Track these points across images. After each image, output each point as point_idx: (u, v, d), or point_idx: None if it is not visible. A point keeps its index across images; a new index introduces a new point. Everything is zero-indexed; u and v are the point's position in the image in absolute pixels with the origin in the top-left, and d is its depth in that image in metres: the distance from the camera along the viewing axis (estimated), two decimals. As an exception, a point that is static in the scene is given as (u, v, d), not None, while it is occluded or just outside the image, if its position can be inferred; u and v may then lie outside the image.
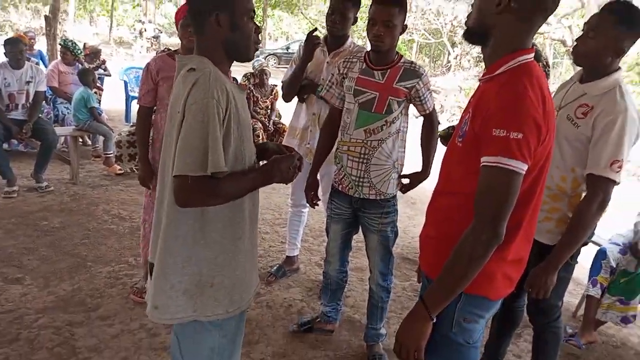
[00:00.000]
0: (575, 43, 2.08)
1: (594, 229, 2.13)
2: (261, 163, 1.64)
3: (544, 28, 12.70)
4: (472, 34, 1.47)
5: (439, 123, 2.68)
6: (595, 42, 1.97)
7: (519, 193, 1.31)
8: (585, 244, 2.25)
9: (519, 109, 1.28)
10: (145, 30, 21.49)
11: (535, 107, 1.29)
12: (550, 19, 13.30)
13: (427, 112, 2.49)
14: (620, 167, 1.91)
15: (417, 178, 2.64)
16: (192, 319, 1.50)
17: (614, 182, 1.93)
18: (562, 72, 20.37)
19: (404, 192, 2.67)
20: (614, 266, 3.13)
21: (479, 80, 1.50)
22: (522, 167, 1.28)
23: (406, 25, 2.37)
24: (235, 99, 1.44)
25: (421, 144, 2.62)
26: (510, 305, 2.45)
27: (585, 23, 2.04)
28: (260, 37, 1.60)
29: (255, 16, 1.54)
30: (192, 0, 1.49)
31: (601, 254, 3.17)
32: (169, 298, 1.48)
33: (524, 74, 1.34)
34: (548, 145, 1.37)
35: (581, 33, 2.05)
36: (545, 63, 2.51)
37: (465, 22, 1.49)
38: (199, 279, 1.48)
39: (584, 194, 2.04)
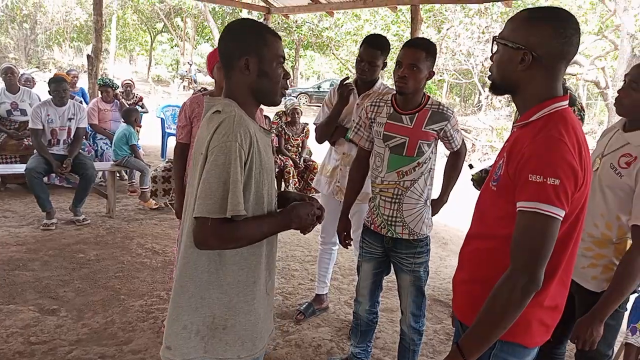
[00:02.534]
0: (618, 95, 2.07)
1: None
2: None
3: (577, 69, 12.64)
4: (499, 88, 1.50)
5: (467, 151, 2.74)
6: (638, 94, 1.98)
7: (556, 239, 1.30)
8: (635, 291, 2.19)
9: (555, 155, 1.28)
10: (190, 72, 22.27)
11: (572, 153, 1.29)
12: (583, 60, 13.27)
13: (455, 149, 2.55)
14: None
15: (436, 205, 2.67)
16: None
17: None
18: (597, 113, 20.10)
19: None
20: (656, 314, 3.00)
21: (514, 126, 1.51)
22: (560, 213, 1.28)
23: (433, 72, 2.40)
24: (258, 143, 1.45)
25: (445, 172, 2.69)
26: (550, 352, 2.38)
27: (626, 75, 2.05)
28: (288, 83, 1.63)
29: (285, 60, 1.57)
30: (222, 44, 1.53)
31: (641, 301, 3.05)
32: (181, 339, 1.48)
33: (559, 120, 1.35)
34: (585, 192, 1.37)
35: (622, 84, 2.06)
36: (580, 107, 2.51)
37: (489, 76, 1.51)
38: (212, 321, 1.48)
39: (629, 242, 2.00)
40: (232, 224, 1.38)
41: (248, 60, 1.47)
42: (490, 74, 1.51)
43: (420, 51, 2.30)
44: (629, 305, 3.12)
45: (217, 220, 1.35)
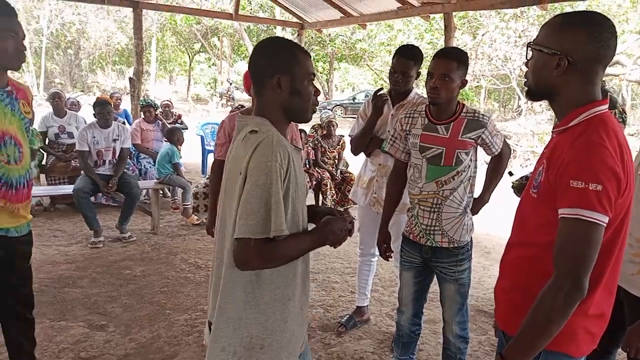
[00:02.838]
0: None
1: None
2: (309, 226, 1.63)
3: (619, 70, 12.23)
4: (535, 94, 1.49)
5: (511, 152, 2.72)
6: None
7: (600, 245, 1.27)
8: None
9: (596, 160, 1.26)
10: (230, 90, 22.66)
11: (613, 158, 1.26)
12: (626, 60, 12.84)
13: (496, 153, 2.53)
14: None
15: (476, 204, 2.65)
16: None
17: None
18: (642, 113, 19.36)
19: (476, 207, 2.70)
20: None
21: (552, 132, 1.49)
22: (603, 219, 1.25)
23: (466, 80, 2.39)
24: (294, 162, 1.46)
25: (487, 173, 2.69)
26: (599, 362, 2.29)
27: None
28: (318, 99, 1.64)
29: (315, 77, 1.59)
30: (253, 63, 1.54)
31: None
32: None
33: (599, 124, 1.33)
34: (628, 197, 1.33)
35: None
36: (621, 110, 2.43)
37: (525, 82, 1.50)
38: (249, 341, 1.48)
39: None
40: (272, 244, 1.39)
41: (280, 78, 1.49)
42: (526, 80, 1.50)
43: (452, 61, 2.30)
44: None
45: (259, 240, 1.36)
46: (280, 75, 1.49)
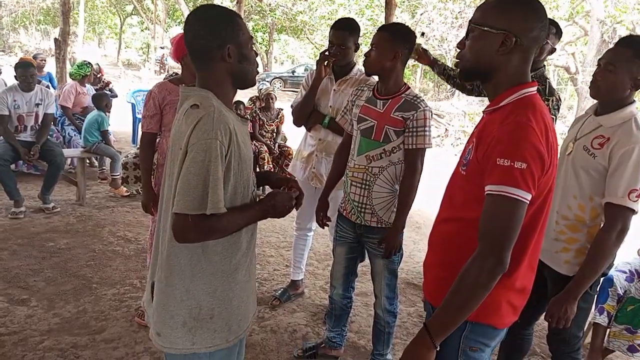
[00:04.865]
0: (594, 78, 2.09)
1: (613, 259, 2.14)
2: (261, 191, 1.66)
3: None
4: (471, 74, 1.51)
5: (421, 172, 2.41)
6: (614, 75, 2.00)
7: (523, 222, 1.33)
8: (605, 274, 2.25)
9: (522, 140, 1.30)
10: (165, 58, 21.68)
11: (539, 138, 1.31)
12: (554, 46, 13.44)
13: (409, 147, 2.36)
14: (638, 196, 1.93)
15: (390, 236, 2.43)
16: (190, 352, 1.51)
17: (633, 211, 1.95)
18: (567, 98, 20.48)
19: (384, 256, 2.48)
20: (621, 294, 3.11)
21: (483, 112, 1.53)
22: (526, 197, 1.30)
23: (399, 53, 2.34)
24: (237, 136, 1.45)
25: (399, 196, 2.43)
26: (518, 333, 2.44)
27: (600, 59, 2.07)
28: (258, 70, 1.64)
29: (259, 41, 1.58)
30: (196, 37, 1.47)
31: (607, 282, 3.15)
32: (169, 328, 1.51)
33: (527, 106, 1.37)
34: (551, 177, 1.39)
35: (597, 68, 2.08)
36: (557, 97, 2.55)
37: (457, 63, 1.51)
38: (199, 312, 1.50)
39: (602, 225, 2.06)
40: (211, 219, 1.39)
41: (230, 48, 1.46)
42: (458, 60, 1.51)
43: (384, 32, 2.38)
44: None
45: (196, 216, 1.37)
46: (229, 44, 1.46)
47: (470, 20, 1.46)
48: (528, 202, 1.31)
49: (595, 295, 2.41)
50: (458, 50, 1.53)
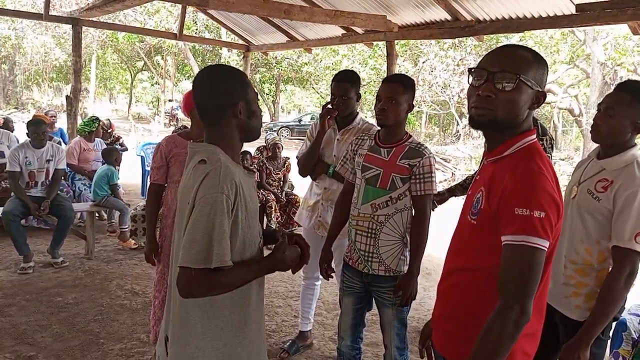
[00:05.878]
0: (594, 122, 2.10)
1: (624, 303, 2.11)
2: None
3: (551, 98, 13.01)
4: (496, 125, 1.42)
5: (430, 215, 2.46)
6: (614, 120, 2.03)
7: None
8: (616, 318, 2.21)
9: (538, 188, 1.32)
10: (175, 110, 22.13)
11: (552, 186, 1.34)
12: (557, 89, 13.65)
13: (418, 193, 2.40)
14: None
15: (405, 282, 2.42)
16: None
17: None
18: (573, 139, 20.59)
19: (401, 305, 2.46)
20: (636, 338, 3.03)
21: (486, 161, 1.54)
22: (545, 245, 1.31)
23: (413, 105, 2.48)
24: (243, 189, 1.48)
25: (410, 244, 2.46)
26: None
27: (600, 103, 2.10)
28: (263, 121, 1.70)
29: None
30: (207, 96, 1.53)
31: (621, 326, 3.08)
32: None
33: (534, 154, 1.40)
34: (561, 221, 1.41)
35: (597, 112, 2.11)
36: (550, 136, 2.58)
37: (484, 112, 1.41)
38: None
39: (610, 268, 2.03)
40: (217, 273, 1.39)
41: (240, 105, 1.53)
42: (482, 110, 1.41)
43: (398, 85, 2.41)
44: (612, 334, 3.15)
45: (201, 270, 1.37)
46: (240, 102, 1.53)
47: (504, 68, 1.37)
48: (546, 249, 1.32)
49: (609, 340, 2.35)
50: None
